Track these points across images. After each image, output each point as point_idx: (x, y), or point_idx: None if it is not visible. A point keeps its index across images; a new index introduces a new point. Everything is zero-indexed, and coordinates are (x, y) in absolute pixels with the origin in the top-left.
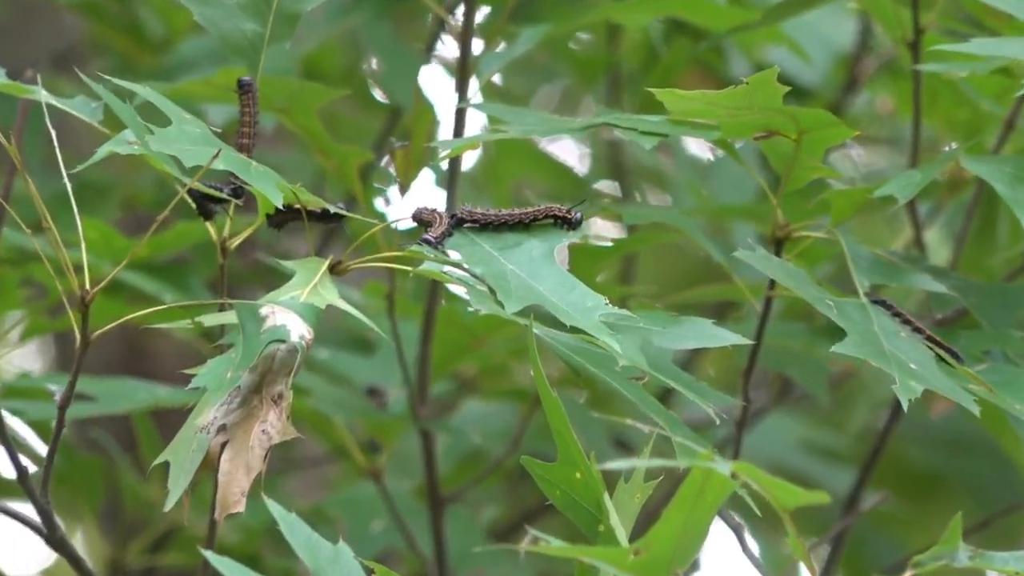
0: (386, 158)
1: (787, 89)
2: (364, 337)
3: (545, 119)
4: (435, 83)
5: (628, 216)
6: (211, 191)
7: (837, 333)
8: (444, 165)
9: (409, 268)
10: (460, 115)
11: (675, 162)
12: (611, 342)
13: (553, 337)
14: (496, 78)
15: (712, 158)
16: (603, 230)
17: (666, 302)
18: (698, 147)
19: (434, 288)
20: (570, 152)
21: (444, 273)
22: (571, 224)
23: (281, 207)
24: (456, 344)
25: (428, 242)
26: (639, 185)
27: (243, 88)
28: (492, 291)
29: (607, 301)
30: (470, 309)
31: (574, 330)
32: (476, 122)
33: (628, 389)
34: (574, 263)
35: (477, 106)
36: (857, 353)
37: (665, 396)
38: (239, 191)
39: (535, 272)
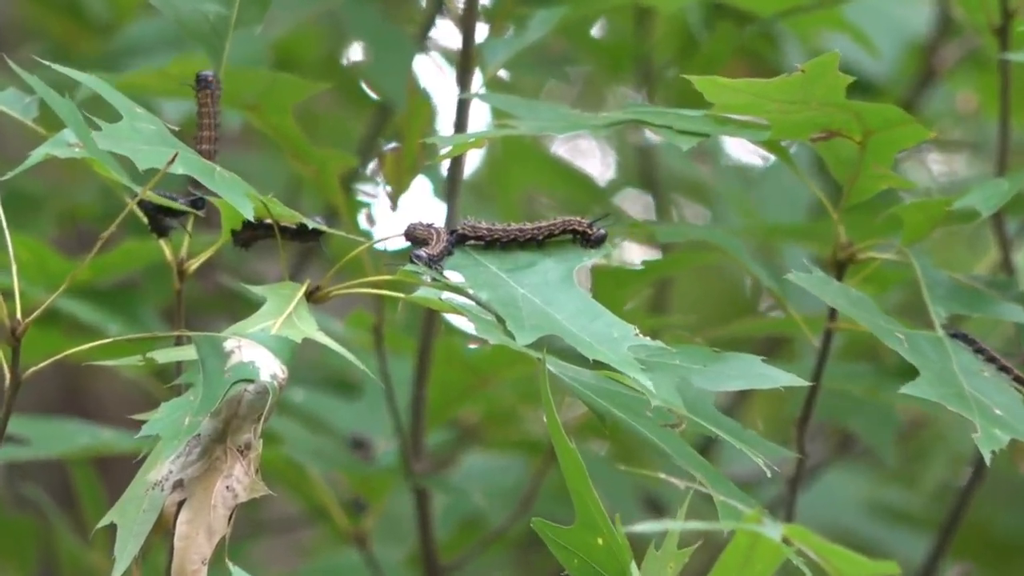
0: (374, 163)
1: (851, 81)
2: (347, 377)
3: (563, 114)
4: (432, 75)
5: (661, 234)
6: (166, 202)
7: (908, 373)
8: (443, 170)
9: (401, 295)
10: (462, 110)
11: (716, 170)
12: (642, 380)
13: (571, 375)
14: (503, 72)
15: (761, 164)
16: (631, 250)
17: (706, 336)
18: (744, 151)
19: (430, 319)
20: (592, 158)
21: (442, 300)
22: (593, 241)
23: (250, 221)
24: (457, 385)
25: (423, 262)
26: (673, 197)
27: (203, 81)
28: (500, 320)
29: (637, 331)
30: (472, 346)
31: (597, 366)
32: (481, 120)
33: (661, 438)
34: (597, 288)
35: (483, 97)
36: (932, 396)
37: (705, 447)
38: (200, 202)
39: (551, 297)
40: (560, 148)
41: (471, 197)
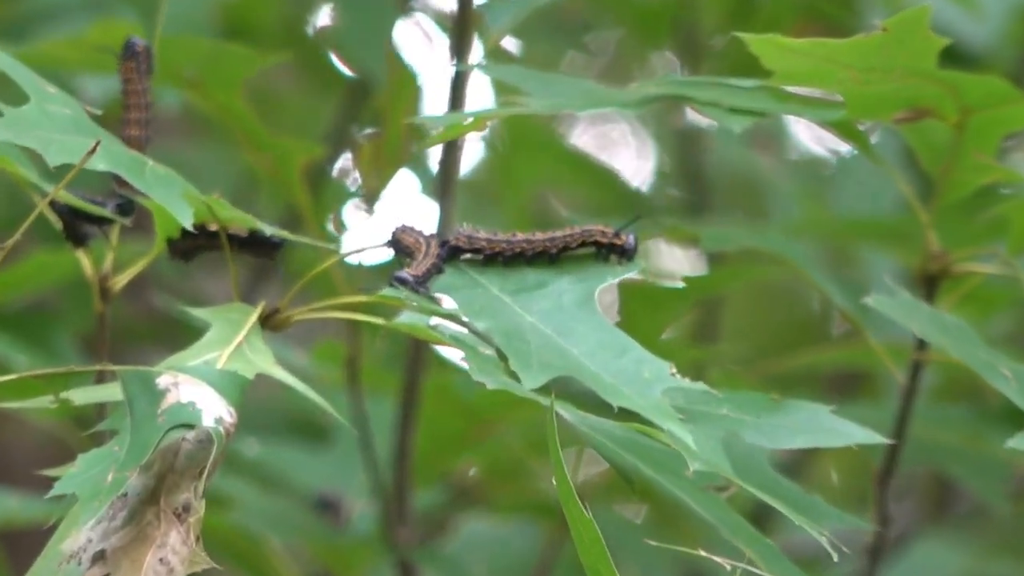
0: (346, 154)
1: (945, 44)
2: (314, 423)
3: (584, 89)
4: (419, 44)
5: (708, 240)
6: (85, 205)
7: (1019, 418)
8: (433, 162)
9: (380, 321)
10: (457, 86)
11: (779, 162)
12: (680, 434)
13: (591, 425)
14: (509, 41)
15: (833, 155)
16: (671, 262)
17: (764, 370)
18: (816, 139)
19: (417, 350)
20: (624, 149)
21: (431, 329)
22: (621, 253)
23: (190, 229)
24: (451, 432)
25: (406, 282)
26: (724, 197)
27: (131, 51)
28: (502, 356)
29: (675, 370)
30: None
31: (624, 415)
32: (481, 100)
33: (703, 504)
34: (627, 313)
35: (484, 68)
36: None
37: (760, 515)
38: (128, 205)
39: (567, 327)
40: (582, 137)
41: (469, 198)
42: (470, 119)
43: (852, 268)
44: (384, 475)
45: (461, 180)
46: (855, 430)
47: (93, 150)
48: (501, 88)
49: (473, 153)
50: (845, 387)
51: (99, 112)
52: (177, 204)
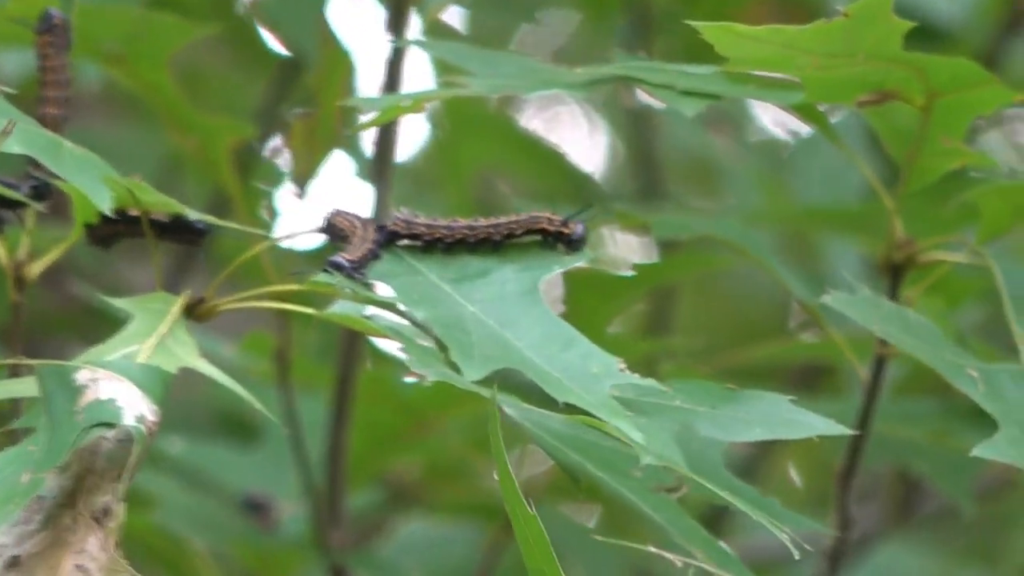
0: (277, 136)
1: (911, 27)
2: (242, 419)
3: (531, 69)
4: (353, 19)
5: (660, 227)
6: None
7: (987, 414)
8: (368, 144)
9: (312, 311)
10: (394, 64)
11: (734, 144)
12: (628, 430)
13: (535, 421)
14: (451, 16)
15: (793, 138)
16: (621, 251)
17: (719, 364)
18: (772, 120)
19: (352, 342)
20: (571, 132)
21: (367, 320)
22: (567, 242)
23: (109, 214)
24: (388, 430)
25: (341, 268)
26: (677, 182)
27: (47, 23)
28: (442, 347)
29: (623, 364)
30: (408, 378)
31: (570, 410)
32: (421, 81)
33: (653, 505)
34: (573, 303)
35: (423, 45)
36: (1014, 457)
37: (715, 516)
38: (44, 189)
39: (510, 317)
40: (531, 120)
41: (408, 183)
42: (407, 101)
43: (812, 257)
44: (316, 475)
45: (400, 164)
46: (816, 421)
47: (7, 131)
48: (442, 67)
49: (412, 135)
50: (805, 382)
51: (13, 91)
52: (95, 188)
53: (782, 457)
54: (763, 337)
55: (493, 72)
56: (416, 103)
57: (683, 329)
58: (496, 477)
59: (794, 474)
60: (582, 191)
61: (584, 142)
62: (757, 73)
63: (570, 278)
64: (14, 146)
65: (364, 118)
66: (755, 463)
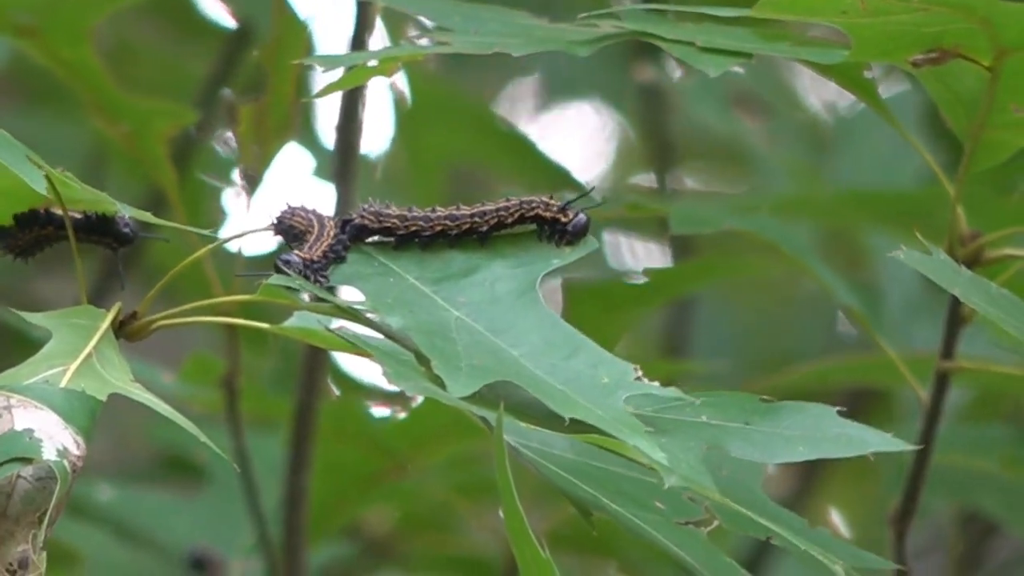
0: (221, 123)
1: None
2: (184, 460)
3: (522, 25)
4: None
5: (679, 220)
6: None
7: None
8: (327, 134)
9: (265, 325)
10: (360, 28)
11: (767, 131)
12: (648, 448)
13: (536, 446)
14: None
15: (834, 116)
16: (629, 256)
17: (747, 390)
18: (816, 96)
19: (313, 366)
20: (576, 123)
21: (331, 332)
22: (568, 231)
23: (28, 214)
24: (357, 472)
25: (292, 265)
26: (698, 173)
27: None
28: (423, 359)
29: (640, 372)
30: (378, 410)
31: (576, 428)
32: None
33: (680, 541)
34: (574, 316)
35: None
36: None
37: (754, 555)
38: None
39: (503, 322)
40: (515, 104)
41: (374, 185)
42: (375, 60)
43: (858, 258)
44: (272, 525)
45: (365, 158)
46: (870, 435)
47: None
48: (413, 26)
49: (377, 127)
50: (853, 408)
51: None
52: (25, 167)
53: (823, 499)
54: (801, 356)
55: (476, 28)
56: (385, 63)
57: (704, 348)
58: (501, 513)
59: (838, 519)
60: (568, 188)
61: (588, 132)
62: (791, 32)
63: (571, 287)
64: None
65: (322, 85)
66: (790, 506)
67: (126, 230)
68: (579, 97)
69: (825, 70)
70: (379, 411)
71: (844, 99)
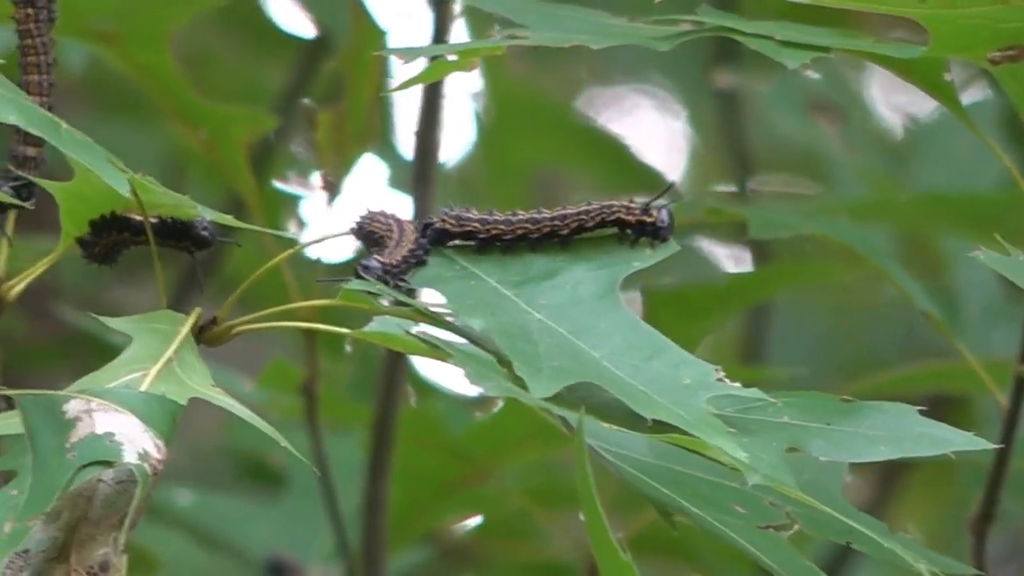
0: (301, 130)
1: None
2: (263, 466)
3: (598, 22)
4: None
5: (758, 225)
6: None
7: None
8: (405, 143)
9: (345, 330)
10: (440, 25)
11: (844, 137)
12: (730, 448)
13: (616, 449)
14: None
15: (911, 124)
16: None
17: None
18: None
19: (393, 372)
20: (646, 126)
21: (411, 336)
22: (652, 233)
23: (106, 220)
24: (436, 478)
25: (372, 271)
26: (775, 179)
27: None
28: (504, 361)
29: (721, 373)
30: (460, 416)
31: (658, 429)
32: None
33: (761, 545)
34: (653, 323)
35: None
36: None
37: (835, 560)
38: (27, 190)
39: (584, 324)
40: (591, 111)
41: (453, 193)
42: (455, 54)
43: (936, 264)
44: (351, 531)
45: (443, 171)
46: (953, 435)
47: None
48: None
49: (456, 135)
50: (933, 413)
51: (1, 61)
52: (108, 170)
53: (900, 510)
54: (878, 362)
55: (552, 24)
56: (465, 57)
57: (782, 354)
58: (581, 516)
59: (914, 532)
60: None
61: (660, 136)
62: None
63: (650, 292)
64: (10, 116)
65: (401, 79)
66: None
67: (204, 233)
68: (654, 100)
69: (905, 72)
70: (460, 417)
71: (915, 106)
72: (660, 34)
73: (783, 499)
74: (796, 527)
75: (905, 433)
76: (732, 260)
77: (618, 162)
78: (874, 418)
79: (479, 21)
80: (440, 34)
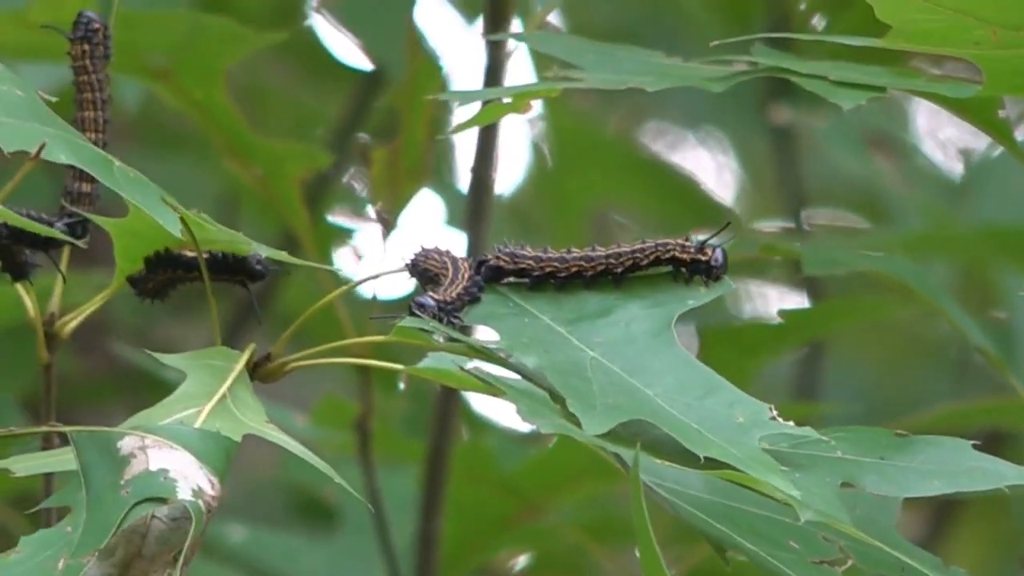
0: (354, 166)
1: None
2: (316, 501)
3: (654, 63)
4: (444, 25)
5: (812, 261)
6: (28, 223)
7: None
8: (461, 179)
9: (399, 367)
10: (494, 66)
11: (900, 174)
12: (783, 485)
13: (671, 485)
14: (555, 16)
15: (966, 162)
16: (762, 294)
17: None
18: (945, 144)
19: (447, 408)
20: (695, 161)
21: (465, 372)
22: (706, 270)
23: (160, 256)
24: (488, 514)
25: (427, 308)
26: (829, 211)
27: (85, 30)
28: (558, 398)
29: (775, 412)
30: (512, 454)
31: (711, 466)
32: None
33: None
34: (706, 360)
35: (527, 39)
36: None
37: None
38: (81, 227)
39: (638, 362)
40: (651, 142)
41: (508, 228)
42: (510, 96)
43: (992, 297)
44: (404, 567)
45: (498, 207)
46: (1007, 469)
47: (36, 155)
48: (547, 63)
49: (511, 169)
50: (986, 450)
51: (54, 99)
52: (159, 209)
53: (952, 547)
54: (932, 398)
55: (612, 67)
56: (519, 100)
57: (835, 391)
58: (637, 553)
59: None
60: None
61: (710, 171)
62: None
63: (704, 330)
64: (60, 155)
65: (458, 122)
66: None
67: (258, 267)
68: (709, 140)
69: (960, 110)
70: (513, 454)
71: (964, 141)
72: (715, 75)
73: (836, 534)
74: (850, 562)
75: (959, 467)
76: (783, 298)
77: (680, 197)
78: (928, 453)
79: (541, 56)
80: (495, 70)
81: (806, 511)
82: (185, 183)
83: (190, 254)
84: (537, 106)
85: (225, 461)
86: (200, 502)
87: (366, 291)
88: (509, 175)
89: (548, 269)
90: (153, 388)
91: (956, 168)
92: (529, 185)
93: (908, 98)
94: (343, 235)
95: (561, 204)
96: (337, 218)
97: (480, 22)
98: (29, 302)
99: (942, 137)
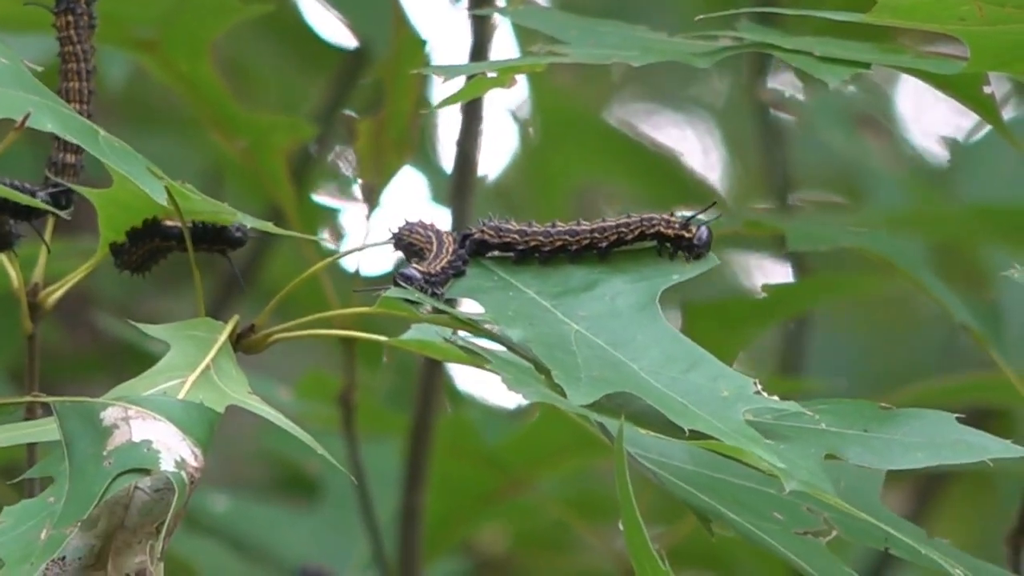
0: (341, 140)
1: None
2: (299, 475)
3: (639, 38)
4: (429, 2)
5: (796, 237)
6: (11, 193)
7: None
8: (446, 158)
9: (382, 338)
10: (478, 50)
11: (881, 147)
12: (767, 456)
13: (656, 457)
14: None
15: (951, 145)
16: (746, 269)
17: None
18: (931, 128)
19: (430, 378)
20: (678, 141)
21: (449, 344)
22: (689, 246)
23: (144, 227)
24: (472, 489)
25: (412, 280)
26: (813, 188)
27: (67, 1)
28: (542, 370)
29: (759, 385)
30: (494, 426)
31: (695, 439)
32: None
33: (800, 551)
34: (691, 334)
35: (509, 14)
36: None
37: (875, 567)
38: (64, 197)
39: (622, 335)
40: (630, 119)
41: (493, 206)
42: (494, 72)
43: (977, 275)
44: (386, 541)
45: (482, 184)
46: (990, 442)
47: (20, 126)
48: (530, 38)
49: (496, 148)
50: (971, 426)
51: (39, 68)
52: (145, 178)
53: (937, 524)
54: (917, 375)
55: (593, 40)
56: (504, 74)
57: (819, 367)
58: (620, 525)
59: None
60: (698, 202)
61: (694, 151)
62: (910, 47)
63: (688, 304)
64: (46, 124)
65: (441, 97)
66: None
67: (238, 235)
68: (695, 119)
69: (945, 86)
70: (495, 427)
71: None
72: (699, 50)
73: (821, 505)
74: (834, 533)
75: (942, 440)
76: (770, 272)
77: (664, 174)
78: (911, 425)
79: (525, 32)
80: (480, 46)
81: (791, 481)
82: (170, 157)
83: (171, 223)
84: (522, 84)
85: (208, 432)
86: (183, 473)
87: (351, 265)
88: (494, 153)
89: (533, 243)
90: (137, 360)
91: (940, 154)
92: (514, 164)
93: (892, 83)
94: (328, 215)
95: (545, 182)
96: (322, 197)
97: None
98: (13, 272)
99: (926, 120)
